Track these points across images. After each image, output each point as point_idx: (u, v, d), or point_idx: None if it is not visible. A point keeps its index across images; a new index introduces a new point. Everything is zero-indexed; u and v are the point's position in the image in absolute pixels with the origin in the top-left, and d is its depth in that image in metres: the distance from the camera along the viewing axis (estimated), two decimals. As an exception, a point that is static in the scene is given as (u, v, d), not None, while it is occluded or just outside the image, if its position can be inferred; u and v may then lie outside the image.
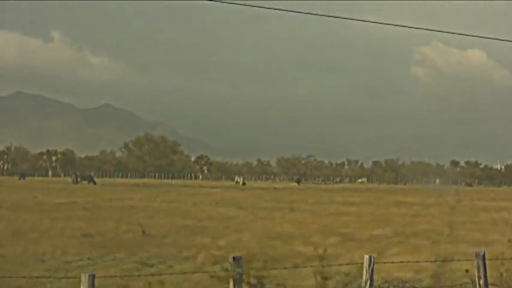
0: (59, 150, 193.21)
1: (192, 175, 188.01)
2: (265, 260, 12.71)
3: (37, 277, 15.70)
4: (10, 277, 14.56)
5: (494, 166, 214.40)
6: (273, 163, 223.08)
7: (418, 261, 15.98)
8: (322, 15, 15.90)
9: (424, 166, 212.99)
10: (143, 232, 25.74)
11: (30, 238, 23.75)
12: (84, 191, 70.39)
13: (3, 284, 14.81)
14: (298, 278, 16.13)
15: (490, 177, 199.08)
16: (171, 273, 14.95)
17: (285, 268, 16.59)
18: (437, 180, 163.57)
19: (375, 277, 12.04)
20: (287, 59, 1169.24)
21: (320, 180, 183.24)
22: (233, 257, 10.11)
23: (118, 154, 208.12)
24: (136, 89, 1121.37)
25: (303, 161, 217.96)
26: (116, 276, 14.65)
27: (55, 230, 26.96)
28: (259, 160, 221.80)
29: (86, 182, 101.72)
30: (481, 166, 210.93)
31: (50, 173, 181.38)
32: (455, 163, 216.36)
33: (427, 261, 17.81)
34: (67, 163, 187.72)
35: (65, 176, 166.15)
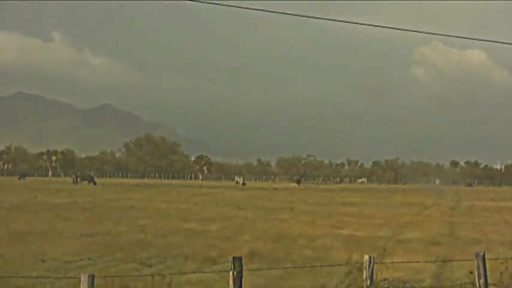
0: (59, 150, 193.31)
1: (192, 175, 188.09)
2: (265, 260, 12.72)
3: (37, 277, 15.69)
4: (10, 277, 14.55)
5: (494, 166, 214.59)
6: (273, 163, 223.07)
7: (418, 262, 15.99)
8: (321, 18, 15.90)
9: (424, 166, 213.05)
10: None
11: (30, 238, 23.75)
12: (84, 191, 70.37)
13: (3, 284, 14.81)
14: (299, 278, 16.14)
15: (490, 177, 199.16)
16: (171, 273, 14.94)
17: (285, 268, 16.60)
18: (437, 180, 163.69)
19: (375, 277, 12.04)
20: (287, 59, 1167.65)
21: (320, 181, 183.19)
22: (233, 257, 10.11)
23: (118, 154, 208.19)
24: (137, 89, 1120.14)
25: (303, 161, 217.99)
26: (116, 276, 14.65)
27: (55, 230, 26.95)
28: (259, 160, 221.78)
29: (86, 182, 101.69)
30: (481, 166, 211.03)
31: (50, 173, 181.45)
32: (455, 163, 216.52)
33: (427, 262, 17.81)
34: (67, 163, 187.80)
35: (65, 176, 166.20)
